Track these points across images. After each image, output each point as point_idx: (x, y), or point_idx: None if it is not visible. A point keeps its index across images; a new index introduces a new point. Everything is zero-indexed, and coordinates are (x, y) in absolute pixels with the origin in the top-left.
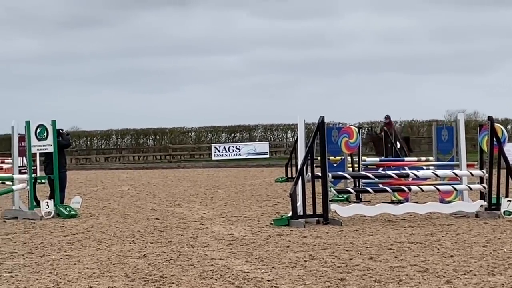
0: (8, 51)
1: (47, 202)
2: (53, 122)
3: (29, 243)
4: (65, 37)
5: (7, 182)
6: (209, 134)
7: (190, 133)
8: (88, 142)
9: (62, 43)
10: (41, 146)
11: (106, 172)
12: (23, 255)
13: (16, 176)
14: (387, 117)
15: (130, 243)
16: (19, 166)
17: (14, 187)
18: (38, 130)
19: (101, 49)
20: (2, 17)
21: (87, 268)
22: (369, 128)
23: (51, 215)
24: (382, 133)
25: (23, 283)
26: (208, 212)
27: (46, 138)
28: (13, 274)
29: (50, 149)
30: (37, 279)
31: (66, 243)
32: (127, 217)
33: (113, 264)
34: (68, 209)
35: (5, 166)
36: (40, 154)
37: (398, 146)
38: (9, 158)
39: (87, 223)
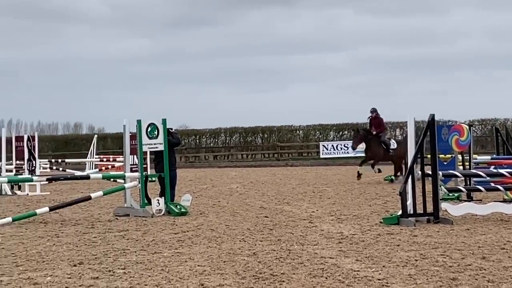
0: (118, 52)
1: (158, 200)
2: (164, 121)
3: (141, 240)
4: (173, 37)
5: (118, 180)
6: (317, 132)
7: (298, 131)
8: (197, 140)
9: (171, 43)
10: (152, 144)
11: (215, 170)
12: (135, 252)
13: (128, 174)
14: (373, 110)
15: (240, 241)
16: (130, 164)
17: (126, 185)
18: (149, 129)
19: (209, 49)
20: (111, 17)
21: (198, 265)
22: (357, 129)
23: (162, 213)
24: (374, 130)
25: (136, 279)
26: (317, 210)
27: (157, 137)
28: (126, 271)
29: (161, 147)
30: (149, 276)
31: (177, 240)
32: (237, 215)
33: (224, 261)
34: (178, 207)
35: (116, 164)
36: (151, 152)
37: (394, 146)
38: (121, 156)
39: (197, 221)
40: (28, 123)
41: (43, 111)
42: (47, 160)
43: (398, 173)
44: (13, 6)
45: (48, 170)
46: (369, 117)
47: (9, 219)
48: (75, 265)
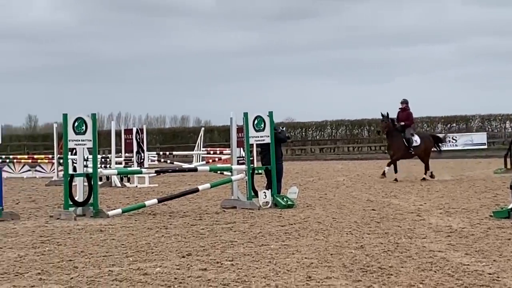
0: (224, 45)
1: (265, 193)
2: (270, 114)
3: (248, 233)
4: (278, 29)
5: (225, 173)
6: (424, 125)
7: None
8: (303, 133)
9: (276, 36)
10: (258, 137)
11: (321, 163)
12: (242, 244)
13: (235, 166)
14: (404, 102)
15: (347, 233)
16: (237, 157)
17: (233, 178)
18: (256, 122)
19: (314, 41)
20: (216, 11)
21: (305, 257)
22: (385, 114)
23: (269, 205)
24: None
25: (244, 271)
26: (425, 203)
27: (263, 129)
28: (233, 263)
29: (267, 140)
30: (257, 268)
31: (284, 232)
32: (343, 208)
33: (331, 254)
34: (285, 199)
35: (223, 156)
36: (257, 145)
37: (417, 143)
38: (228, 149)
39: (304, 214)
40: (137, 116)
41: (151, 105)
42: (155, 152)
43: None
44: (121, 1)
45: (156, 162)
46: (399, 109)
47: (119, 210)
48: (183, 257)
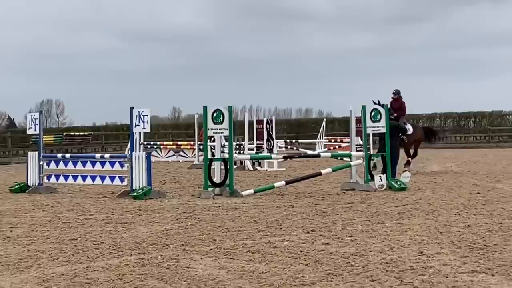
0: (343, 45)
1: (381, 177)
2: (385, 107)
3: (366, 212)
4: (393, 32)
5: (345, 159)
6: None
7: (508, 116)
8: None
9: (389, 37)
10: (375, 127)
11: (430, 151)
12: (360, 222)
13: (353, 153)
14: (396, 92)
15: (454, 214)
16: (355, 145)
17: (352, 163)
18: (373, 113)
19: (425, 42)
20: (336, 15)
21: (417, 235)
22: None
23: (384, 188)
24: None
25: (362, 246)
26: None
27: (379, 120)
28: (352, 238)
29: (383, 130)
30: (373, 243)
31: (398, 212)
32: (451, 191)
33: (440, 232)
34: (398, 183)
35: (343, 144)
36: (376, 134)
37: (410, 131)
38: (347, 137)
39: (415, 196)
40: (267, 109)
41: (279, 98)
42: (282, 140)
43: (409, 159)
44: (253, 8)
45: (284, 149)
46: (391, 99)
47: (251, 191)
48: (308, 232)
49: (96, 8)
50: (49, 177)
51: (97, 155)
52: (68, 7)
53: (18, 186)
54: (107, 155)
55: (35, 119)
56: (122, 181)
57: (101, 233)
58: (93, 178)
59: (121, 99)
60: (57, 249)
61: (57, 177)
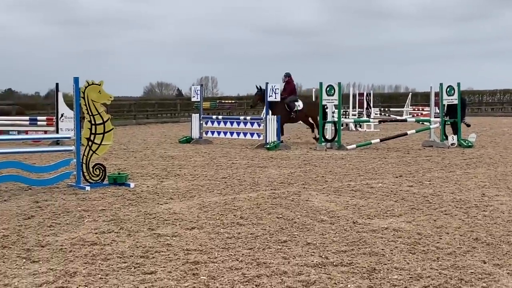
0: (423, 38)
1: (453, 137)
2: (458, 84)
3: (440, 163)
4: (459, 27)
5: (425, 123)
6: None
7: None
8: (479, 98)
9: (458, 32)
10: (449, 99)
11: (491, 118)
12: (437, 170)
13: (432, 119)
14: (286, 75)
15: (510, 166)
16: (434, 113)
17: (431, 126)
18: (448, 89)
19: (485, 35)
20: (417, 13)
21: (480, 181)
22: (259, 87)
23: (455, 146)
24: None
25: (438, 188)
26: None
27: (453, 95)
28: (430, 182)
29: (455, 102)
30: (446, 187)
31: (465, 164)
32: (508, 149)
33: (499, 180)
34: (466, 141)
35: (424, 112)
36: (447, 105)
37: (300, 107)
38: (427, 107)
39: (479, 152)
40: (365, 85)
41: (375, 77)
42: (377, 109)
43: (315, 131)
44: (351, 7)
45: (379, 115)
46: (283, 82)
47: (354, 145)
48: (396, 177)
49: (236, 9)
50: (206, 132)
51: (241, 117)
52: (217, 7)
53: (184, 138)
54: (248, 117)
55: (197, 90)
56: (259, 136)
57: (244, 174)
58: (238, 134)
59: (257, 77)
60: (212, 184)
61: (212, 132)
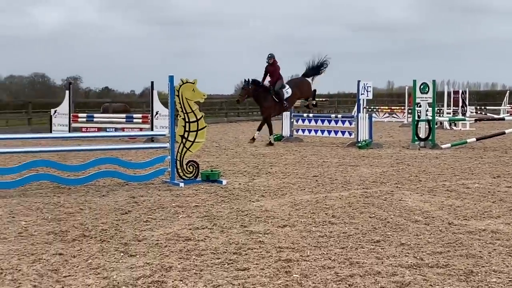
0: None
1: None
2: None
3: None
4: None
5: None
6: None
7: None
8: None
9: None
10: None
11: None
12: None
13: None
14: (270, 56)
15: None
16: None
17: None
18: None
19: None
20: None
21: None
22: (247, 80)
23: None
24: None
25: None
26: None
27: None
28: None
29: None
30: None
31: None
32: None
33: None
34: None
35: None
36: None
37: (289, 94)
38: None
39: None
40: (460, 82)
41: (470, 74)
42: (473, 107)
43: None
44: (446, 4)
45: (474, 113)
46: (266, 63)
47: (449, 144)
48: (494, 177)
49: (326, 6)
50: (297, 130)
51: (332, 115)
52: (309, 6)
53: (276, 136)
54: (339, 115)
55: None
56: (350, 134)
57: (335, 172)
58: (329, 132)
59: (348, 74)
60: (303, 183)
61: (303, 130)
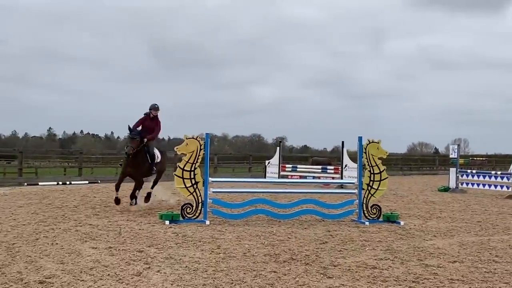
0: None
1: None
2: None
3: None
4: None
5: None
6: None
7: None
8: None
9: None
10: None
11: None
12: None
13: None
14: (157, 108)
15: None
16: None
17: None
18: None
19: None
20: None
21: None
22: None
23: None
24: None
25: None
26: None
27: None
28: None
29: None
30: None
31: None
32: None
33: None
34: None
35: None
36: None
37: (158, 157)
38: None
39: None
40: None
41: None
42: None
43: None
44: None
45: None
46: (145, 114)
47: None
48: None
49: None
50: (462, 183)
51: (492, 172)
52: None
53: (443, 187)
54: (498, 172)
55: (455, 149)
56: (508, 188)
57: (496, 219)
58: (489, 185)
59: (503, 138)
60: (469, 226)
61: (467, 184)
